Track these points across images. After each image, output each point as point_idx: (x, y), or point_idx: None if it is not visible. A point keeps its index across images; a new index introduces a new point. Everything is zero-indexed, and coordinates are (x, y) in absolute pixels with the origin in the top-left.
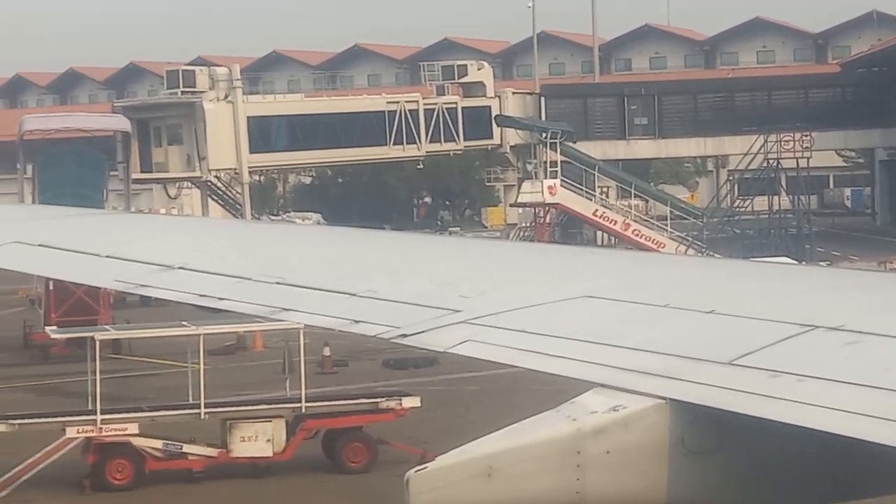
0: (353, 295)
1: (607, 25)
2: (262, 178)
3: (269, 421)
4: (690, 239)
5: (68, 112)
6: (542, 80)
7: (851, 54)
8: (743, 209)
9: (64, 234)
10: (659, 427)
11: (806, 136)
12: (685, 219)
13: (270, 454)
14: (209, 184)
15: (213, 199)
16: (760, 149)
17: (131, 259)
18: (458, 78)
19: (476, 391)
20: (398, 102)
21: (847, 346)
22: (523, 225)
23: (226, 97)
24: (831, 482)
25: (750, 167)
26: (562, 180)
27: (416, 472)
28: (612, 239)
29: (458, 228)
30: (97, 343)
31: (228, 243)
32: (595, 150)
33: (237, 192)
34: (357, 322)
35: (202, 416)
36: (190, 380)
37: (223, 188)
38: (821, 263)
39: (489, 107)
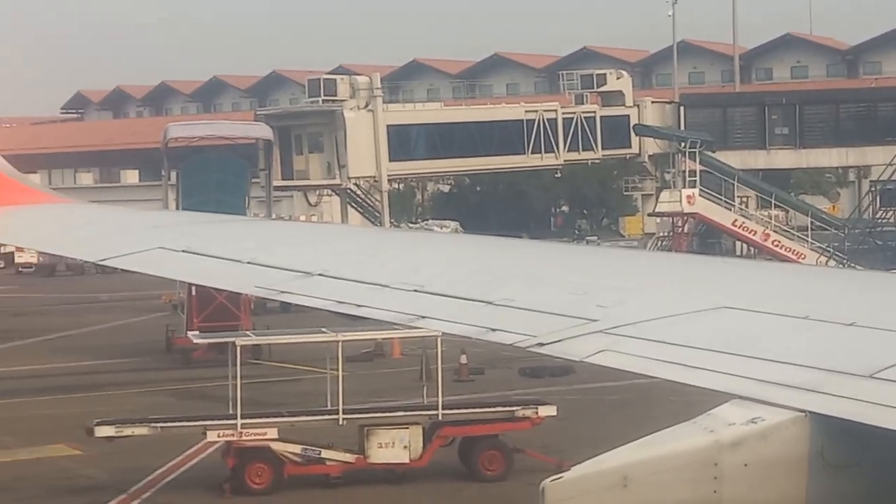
0: (490, 303)
1: (748, 34)
2: (400, 186)
3: (406, 428)
4: (831, 250)
5: (212, 120)
6: (682, 89)
7: None
8: (885, 220)
9: (206, 240)
10: (798, 440)
11: None
12: (826, 230)
13: (407, 461)
14: (349, 191)
15: (352, 206)
16: None
17: (272, 266)
18: (597, 87)
19: (612, 401)
20: (537, 111)
21: None
22: (661, 234)
23: (366, 106)
24: None
25: (893, 178)
26: (700, 190)
27: (551, 481)
28: (752, 249)
29: (596, 238)
30: (238, 348)
31: (367, 251)
32: (734, 159)
33: (376, 200)
34: (494, 330)
35: (340, 422)
36: (328, 386)
37: (362, 196)
38: None
39: (628, 116)
